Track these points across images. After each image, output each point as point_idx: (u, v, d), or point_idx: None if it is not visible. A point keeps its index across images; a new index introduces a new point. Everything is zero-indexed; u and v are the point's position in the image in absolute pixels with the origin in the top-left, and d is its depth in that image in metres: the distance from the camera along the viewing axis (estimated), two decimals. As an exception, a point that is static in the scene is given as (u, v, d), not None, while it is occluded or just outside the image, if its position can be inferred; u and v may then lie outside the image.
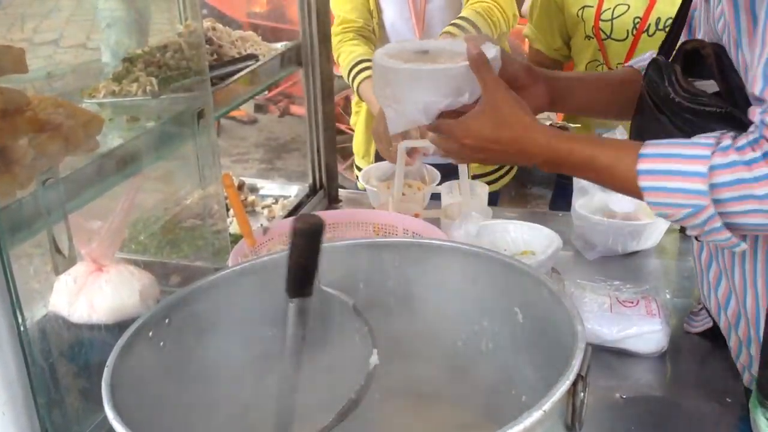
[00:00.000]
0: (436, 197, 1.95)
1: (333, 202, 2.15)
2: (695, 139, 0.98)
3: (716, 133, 0.98)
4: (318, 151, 2.09)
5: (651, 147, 1.00)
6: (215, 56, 1.66)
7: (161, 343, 0.93)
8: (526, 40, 2.40)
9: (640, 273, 1.68)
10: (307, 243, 0.87)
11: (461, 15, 2.11)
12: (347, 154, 3.41)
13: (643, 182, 0.98)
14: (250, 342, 1.05)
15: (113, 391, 0.81)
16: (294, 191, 2.13)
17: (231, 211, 1.74)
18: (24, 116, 1.02)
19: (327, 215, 1.68)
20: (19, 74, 0.98)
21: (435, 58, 1.19)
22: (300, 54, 1.91)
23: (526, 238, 1.63)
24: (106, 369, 0.83)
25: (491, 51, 1.16)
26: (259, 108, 6.26)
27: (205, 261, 1.56)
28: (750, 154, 0.91)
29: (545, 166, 1.10)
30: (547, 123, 2.12)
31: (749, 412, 1.05)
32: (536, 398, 0.99)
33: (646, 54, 1.35)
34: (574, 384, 0.77)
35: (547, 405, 0.73)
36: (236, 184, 1.98)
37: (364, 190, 2.07)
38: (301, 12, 1.91)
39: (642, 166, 0.98)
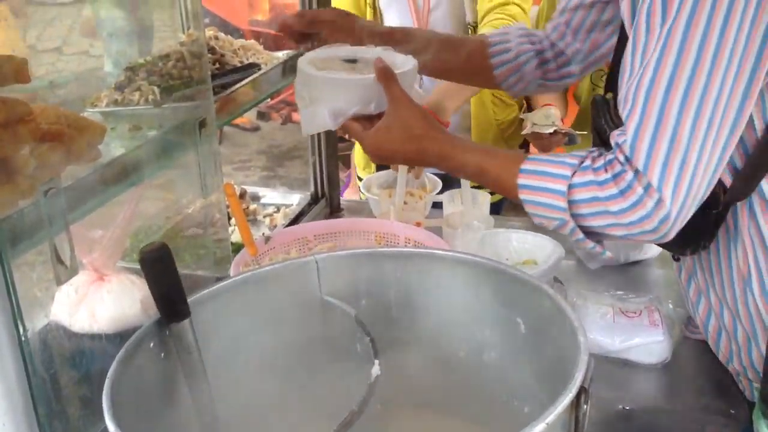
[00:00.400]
0: (437, 206, 1.95)
1: (335, 210, 2.15)
2: (563, 158, 1.07)
3: (584, 153, 1.06)
4: (320, 159, 2.09)
5: (529, 163, 1.09)
6: (217, 65, 1.67)
7: (162, 354, 0.93)
8: None
9: (642, 283, 1.68)
10: (156, 269, 0.89)
11: (482, 33, 2.11)
12: (349, 161, 3.42)
13: (521, 195, 1.09)
14: (250, 351, 1.05)
15: (114, 402, 0.80)
16: (296, 200, 2.13)
17: (232, 220, 1.74)
18: (26, 126, 1.02)
19: (328, 224, 1.68)
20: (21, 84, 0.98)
21: (362, 67, 1.25)
22: (302, 63, 1.91)
23: (528, 247, 1.63)
24: (107, 380, 0.82)
25: (408, 64, 1.24)
26: (261, 115, 6.27)
27: (206, 270, 1.56)
28: (603, 175, 1.00)
29: (446, 171, 1.22)
30: (552, 129, 2.13)
31: (752, 424, 1.04)
32: (538, 409, 0.98)
33: (510, 28, 1.51)
34: (578, 396, 0.77)
35: (551, 417, 0.73)
36: (238, 192, 1.98)
37: (365, 199, 2.08)
38: (303, 21, 1.91)
39: (520, 180, 1.08)
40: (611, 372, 1.35)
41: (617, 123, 1.14)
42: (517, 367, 1.03)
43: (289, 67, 1.85)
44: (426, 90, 2.24)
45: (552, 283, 1.53)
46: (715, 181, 1.00)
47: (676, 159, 0.96)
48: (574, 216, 1.04)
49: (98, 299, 1.30)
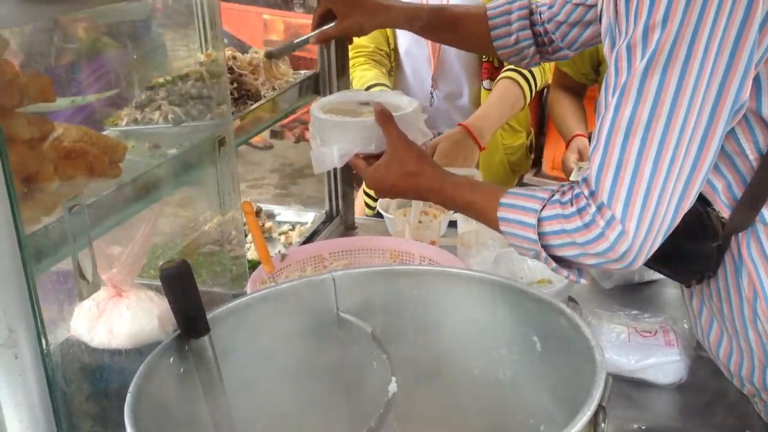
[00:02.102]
0: (452, 225, 1.96)
1: (349, 228, 2.16)
2: (536, 192, 1.12)
3: (556, 187, 1.11)
4: (334, 178, 2.10)
5: (508, 197, 1.14)
6: (235, 85, 1.69)
7: (182, 369, 0.94)
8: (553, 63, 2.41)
9: (657, 302, 1.67)
10: (176, 286, 0.91)
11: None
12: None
13: (501, 227, 1.14)
14: (268, 367, 1.06)
15: (135, 417, 0.81)
16: (310, 218, 2.14)
17: (248, 237, 1.75)
18: (50, 144, 1.04)
19: (344, 242, 1.69)
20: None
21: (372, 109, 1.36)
22: (318, 83, 1.93)
23: (542, 266, 1.61)
24: (128, 395, 0.83)
25: (410, 106, 1.38)
26: (274, 134, 6.31)
27: (222, 287, 1.57)
28: (569, 209, 1.05)
29: (438, 204, 1.33)
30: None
31: (770, 445, 1.04)
32: (554, 427, 0.99)
33: (513, 6, 1.57)
34: (595, 415, 0.77)
35: (569, 435, 0.73)
36: (254, 210, 2.00)
37: (378, 214, 2.08)
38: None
39: (499, 213, 1.13)
40: (627, 391, 1.35)
41: None
42: (533, 385, 1.03)
43: (305, 87, 1.88)
44: (437, 109, 2.27)
45: (567, 302, 1.53)
46: (682, 212, 1.03)
47: (638, 194, 1.00)
48: (545, 247, 1.08)
49: (116, 315, 1.31)
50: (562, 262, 1.10)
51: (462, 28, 1.60)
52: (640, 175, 0.99)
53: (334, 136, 1.32)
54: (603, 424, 0.79)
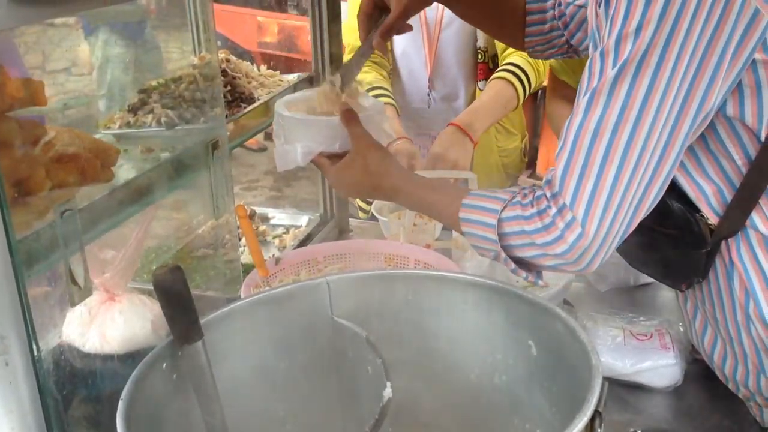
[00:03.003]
0: (447, 228, 1.95)
1: (344, 232, 2.15)
2: (498, 193, 1.12)
3: (517, 188, 1.12)
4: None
5: (470, 198, 1.14)
6: (229, 88, 1.68)
7: (174, 375, 0.93)
8: (548, 69, 2.39)
9: (652, 305, 1.67)
10: (169, 292, 0.89)
11: (512, 61, 2.14)
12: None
13: (462, 227, 1.14)
14: (262, 372, 1.05)
15: (128, 423, 0.80)
16: (305, 221, 2.14)
17: (242, 240, 1.74)
18: (41, 147, 1.03)
19: (338, 245, 1.68)
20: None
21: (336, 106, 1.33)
22: (312, 85, 1.93)
23: (538, 269, 1.62)
24: (120, 402, 0.83)
25: (375, 107, 1.35)
26: (268, 136, 6.29)
27: (216, 291, 1.56)
28: (529, 210, 1.06)
29: (401, 204, 1.32)
30: None
31: (766, 449, 1.04)
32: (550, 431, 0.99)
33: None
34: (592, 420, 0.77)
35: (565, 441, 0.72)
36: (248, 213, 1.99)
37: (372, 217, 2.08)
38: (313, 44, 1.93)
39: (461, 214, 1.14)
40: (622, 395, 1.34)
41: None
42: (528, 389, 1.03)
43: (299, 89, 1.87)
44: (434, 111, 2.27)
45: (562, 305, 1.53)
46: (640, 216, 1.05)
47: (601, 196, 1.01)
48: (504, 248, 1.09)
49: (109, 320, 1.30)
50: (521, 263, 1.11)
51: (503, 4, 1.51)
52: (603, 178, 1.01)
53: (298, 135, 1.30)
54: (599, 429, 0.78)
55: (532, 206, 1.06)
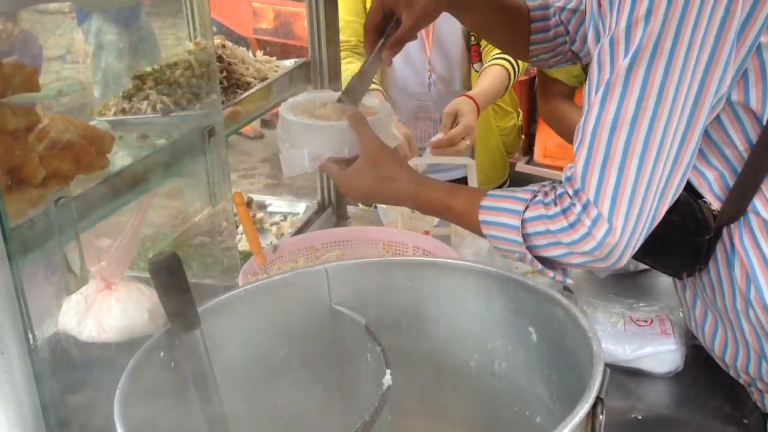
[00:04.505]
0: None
1: (342, 219, 2.14)
2: (517, 193, 1.10)
3: (536, 187, 1.10)
4: (326, 167, 2.08)
5: (488, 200, 1.12)
6: (225, 74, 1.66)
7: (172, 364, 0.92)
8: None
9: (652, 291, 1.66)
10: (166, 279, 0.88)
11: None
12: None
13: (483, 230, 1.12)
14: (260, 360, 1.05)
15: (125, 412, 0.80)
16: (302, 208, 2.12)
17: (239, 228, 1.73)
18: (35, 135, 1.02)
19: (336, 233, 1.67)
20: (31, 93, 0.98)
21: (344, 106, 1.30)
22: (309, 72, 1.91)
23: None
24: (117, 390, 0.82)
25: (383, 109, 1.31)
26: (265, 123, 6.27)
27: (214, 279, 1.55)
28: (553, 209, 1.04)
29: (415, 209, 1.27)
30: None
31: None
32: (550, 418, 0.98)
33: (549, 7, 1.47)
34: (594, 407, 0.76)
35: (567, 429, 0.72)
36: (245, 201, 1.98)
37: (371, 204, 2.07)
38: (309, 31, 1.92)
39: (481, 216, 1.11)
40: (623, 381, 1.34)
41: None
42: (528, 376, 1.02)
43: (295, 76, 1.85)
44: (434, 92, 2.26)
45: (562, 292, 1.52)
46: (665, 206, 1.03)
47: (625, 190, 0.99)
48: (530, 248, 1.07)
49: (106, 308, 1.29)
50: (546, 262, 1.09)
51: (509, 13, 1.47)
52: (626, 170, 0.99)
53: (305, 140, 1.27)
54: (601, 416, 0.78)
55: (555, 205, 1.04)
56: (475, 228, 1.13)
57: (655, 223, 1.03)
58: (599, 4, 1.05)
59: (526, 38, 1.48)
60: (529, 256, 1.08)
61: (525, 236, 1.07)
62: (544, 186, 1.09)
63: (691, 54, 0.96)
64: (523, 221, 1.06)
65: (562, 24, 1.46)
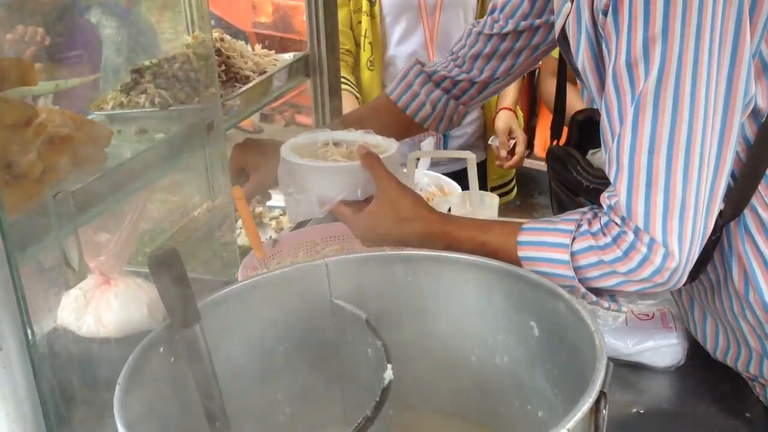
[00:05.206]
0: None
1: (341, 213, 2.13)
2: (557, 224, 1.07)
3: (576, 215, 1.07)
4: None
5: (526, 234, 1.09)
6: (223, 67, 1.66)
7: (172, 359, 0.92)
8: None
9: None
10: (165, 274, 0.88)
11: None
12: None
13: (527, 265, 1.08)
14: (260, 356, 1.04)
15: (125, 408, 0.80)
16: (302, 203, 2.12)
17: (238, 222, 1.72)
18: (33, 129, 1.01)
19: (336, 227, 1.67)
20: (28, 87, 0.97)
21: (345, 149, 1.25)
22: (308, 65, 1.90)
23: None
24: (117, 385, 0.81)
25: (392, 147, 1.24)
26: (264, 118, 6.25)
27: (213, 274, 1.55)
28: (603, 240, 1.02)
29: (442, 249, 1.14)
30: None
31: (770, 428, 1.03)
32: (552, 413, 0.98)
33: (408, 76, 1.48)
34: (597, 401, 0.76)
35: (571, 423, 0.72)
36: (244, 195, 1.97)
37: None
38: (308, 24, 1.91)
39: (521, 253, 1.08)
40: (625, 375, 1.33)
41: (592, 173, 1.17)
42: (530, 371, 1.02)
43: (294, 70, 1.85)
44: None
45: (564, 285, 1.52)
46: (714, 215, 1.02)
47: (674, 210, 0.98)
48: (582, 280, 1.05)
49: (105, 303, 1.29)
50: (598, 292, 1.07)
51: (375, 121, 1.44)
52: (672, 191, 0.97)
53: (313, 183, 1.19)
54: (604, 411, 0.77)
55: (604, 235, 1.02)
56: (514, 262, 1.08)
57: (708, 234, 1.02)
58: (595, 25, 1.04)
59: (414, 123, 1.51)
60: (582, 289, 1.06)
61: (576, 269, 1.04)
62: (585, 214, 1.07)
63: (713, 60, 0.95)
64: (572, 254, 1.04)
65: (444, 83, 1.47)
